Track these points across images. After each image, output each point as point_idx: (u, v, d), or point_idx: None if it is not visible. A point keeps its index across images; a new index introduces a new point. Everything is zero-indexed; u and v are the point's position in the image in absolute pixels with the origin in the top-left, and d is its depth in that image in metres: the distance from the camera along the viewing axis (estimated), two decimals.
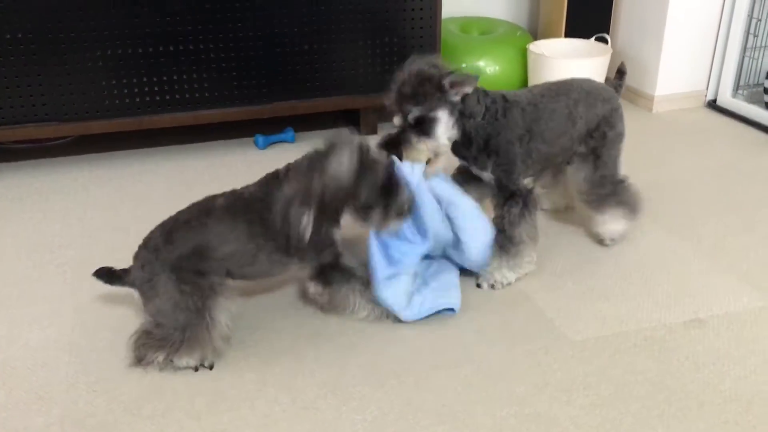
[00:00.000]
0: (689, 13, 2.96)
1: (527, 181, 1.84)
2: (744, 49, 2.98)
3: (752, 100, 3.00)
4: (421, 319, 1.69)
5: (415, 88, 1.63)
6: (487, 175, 1.80)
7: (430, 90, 1.64)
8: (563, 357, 1.57)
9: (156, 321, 1.53)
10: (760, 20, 2.91)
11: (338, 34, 2.66)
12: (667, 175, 2.48)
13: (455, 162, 1.89)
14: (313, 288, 1.65)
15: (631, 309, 1.74)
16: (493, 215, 1.81)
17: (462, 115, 1.71)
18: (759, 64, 3.02)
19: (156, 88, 2.56)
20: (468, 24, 3.38)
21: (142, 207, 2.29)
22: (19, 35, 2.37)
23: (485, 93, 1.75)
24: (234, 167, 2.59)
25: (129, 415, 1.42)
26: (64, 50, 2.43)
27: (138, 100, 2.56)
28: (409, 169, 1.64)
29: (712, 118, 3.03)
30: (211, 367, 1.55)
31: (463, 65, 3.12)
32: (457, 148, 1.79)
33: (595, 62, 2.97)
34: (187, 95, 2.60)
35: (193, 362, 1.54)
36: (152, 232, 1.58)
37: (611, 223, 1.96)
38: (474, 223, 1.75)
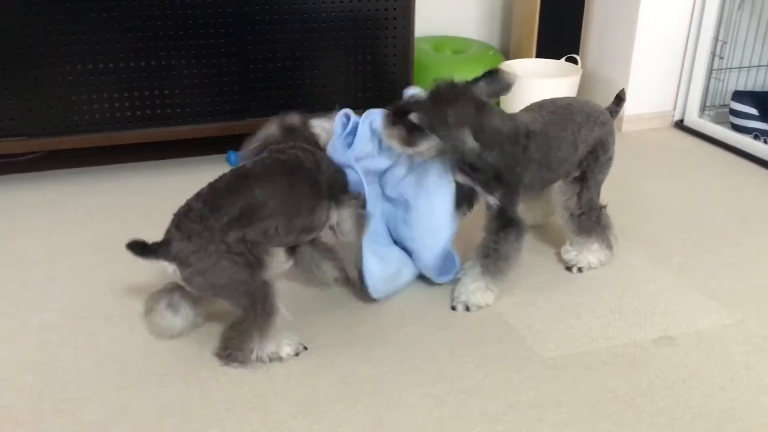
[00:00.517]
0: (657, 35, 3.02)
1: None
2: (710, 70, 3.05)
3: (718, 120, 3.06)
4: (393, 336, 1.69)
5: (431, 106, 1.61)
6: (492, 200, 1.77)
7: (435, 120, 1.60)
8: (535, 375, 1.58)
9: (210, 292, 1.54)
10: (725, 42, 2.98)
11: (312, 52, 2.66)
12: (636, 194, 2.51)
13: None
14: (341, 217, 1.68)
15: (602, 326, 1.75)
16: (485, 238, 1.80)
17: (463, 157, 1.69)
18: (725, 86, 3.09)
19: (127, 104, 2.54)
20: (441, 43, 3.41)
21: (112, 224, 2.26)
22: None
23: (510, 140, 1.69)
24: (206, 184, 2.56)
25: None
26: (33, 64, 2.40)
27: (108, 115, 2.53)
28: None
29: (679, 138, 3.09)
30: (305, 348, 1.63)
31: None
32: (459, 166, 1.76)
33: (565, 82, 3.02)
34: (159, 111, 2.58)
35: (300, 348, 1.61)
36: (189, 205, 1.55)
37: (589, 254, 1.98)
38: (425, 227, 1.76)
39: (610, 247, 1.99)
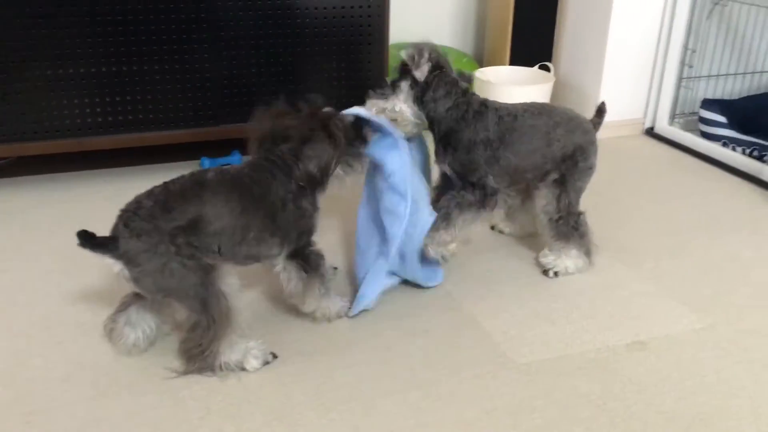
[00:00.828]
0: (628, 44, 3.06)
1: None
2: (680, 79, 3.10)
3: (688, 128, 3.11)
4: (368, 343, 1.69)
5: (404, 62, 1.82)
6: (445, 168, 1.86)
7: (404, 66, 1.82)
8: (510, 381, 1.58)
9: (159, 294, 1.49)
10: (695, 51, 3.03)
11: (286, 58, 2.65)
12: (608, 201, 2.54)
13: None
14: (286, 270, 1.65)
15: (576, 332, 1.76)
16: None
17: (423, 98, 1.81)
18: (694, 94, 3.14)
19: (98, 109, 2.51)
20: None
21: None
22: None
23: (463, 93, 1.83)
24: None
25: None
26: (1, 70, 2.36)
27: (79, 121, 2.50)
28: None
29: (650, 145, 3.13)
30: (275, 357, 1.60)
31: None
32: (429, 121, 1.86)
33: (538, 89, 3.04)
34: (130, 116, 2.55)
35: (268, 357, 1.58)
36: (139, 202, 1.49)
37: (567, 259, 1.99)
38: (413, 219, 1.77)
39: (588, 254, 2.01)
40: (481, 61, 3.58)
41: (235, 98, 2.65)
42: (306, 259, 1.66)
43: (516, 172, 1.90)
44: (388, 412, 1.48)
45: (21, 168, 2.68)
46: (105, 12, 2.39)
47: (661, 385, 1.58)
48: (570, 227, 1.96)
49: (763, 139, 2.75)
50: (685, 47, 3.03)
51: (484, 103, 1.85)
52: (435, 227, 1.80)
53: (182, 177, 1.55)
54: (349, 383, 1.57)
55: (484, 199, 1.82)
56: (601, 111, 2.05)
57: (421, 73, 1.79)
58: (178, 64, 2.53)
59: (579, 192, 1.98)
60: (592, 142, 1.96)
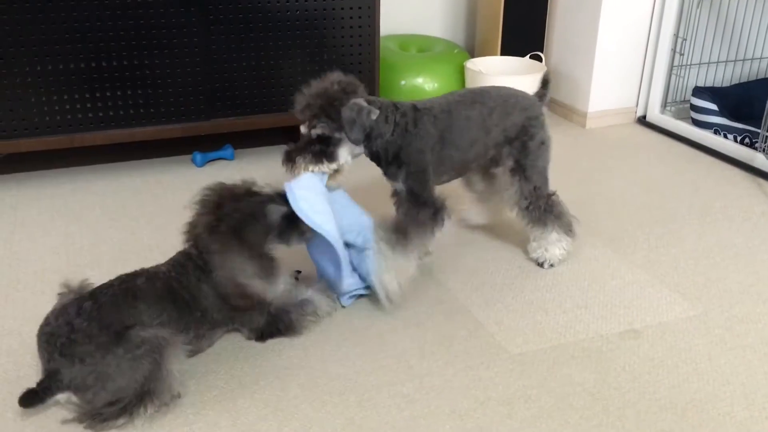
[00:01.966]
0: (618, 33, 3.06)
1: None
2: (671, 67, 3.10)
3: (679, 116, 3.12)
4: (363, 335, 1.69)
5: (324, 105, 1.64)
6: (399, 186, 1.79)
7: (330, 108, 1.64)
8: (504, 371, 1.59)
9: (108, 403, 1.40)
10: (685, 39, 3.03)
11: (277, 51, 2.65)
12: (600, 189, 2.55)
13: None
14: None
15: (569, 321, 1.77)
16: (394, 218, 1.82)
17: (369, 136, 1.70)
18: (685, 82, 3.14)
19: (89, 105, 2.50)
20: (406, 42, 3.42)
21: (74, 227, 2.22)
22: None
23: (395, 108, 1.74)
24: (171, 185, 2.54)
25: None
26: None
27: (69, 117, 2.49)
28: (308, 182, 1.66)
29: (642, 133, 3.13)
30: (179, 396, 1.48)
31: (402, 83, 3.15)
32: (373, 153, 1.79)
33: (530, 79, 3.04)
34: (121, 112, 2.54)
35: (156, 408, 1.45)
36: (70, 323, 1.41)
37: (552, 246, 1.98)
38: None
39: (570, 232, 1.99)
40: (472, 52, 3.57)
41: (226, 92, 2.64)
42: (269, 335, 1.68)
43: (462, 166, 1.88)
44: (383, 404, 1.48)
45: (12, 165, 2.67)
46: (95, 6, 2.37)
47: (655, 372, 1.58)
48: (542, 211, 1.93)
49: (755, 126, 2.76)
50: (676, 35, 3.04)
51: (415, 108, 1.77)
52: (392, 253, 1.75)
53: (111, 286, 1.51)
54: (343, 375, 1.57)
55: (435, 215, 1.77)
56: (545, 81, 2.00)
57: (358, 134, 1.67)
58: (168, 58, 2.52)
59: (543, 172, 1.94)
60: (535, 117, 1.91)
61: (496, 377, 1.57)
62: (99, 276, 1.80)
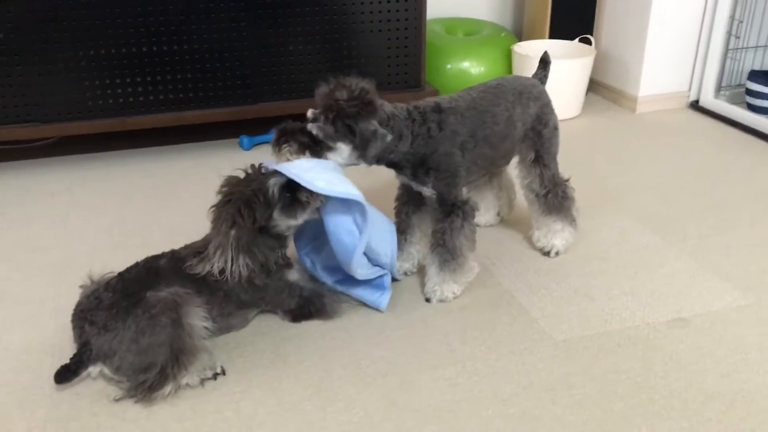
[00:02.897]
0: (672, 15, 2.98)
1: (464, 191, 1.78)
2: (726, 50, 3.01)
3: (734, 101, 3.03)
4: (405, 319, 1.70)
5: (331, 109, 1.57)
6: (428, 191, 1.73)
7: (339, 125, 1.57)
8: (547, 357, 1.58)
9: (141, 368, 1.45)
10: (741, 22, 2.94)
11: (324, 35, 2.65)
12: (650, 176, 2.50)
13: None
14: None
15: (615, 309, 1.75)
16: (432, 228, 1.76)
17: (367, 153, 1.61)
18: (741, 65, 3.05)
19: (140, 89, 2.55)
20: (453, 25, 3.39)
21: (125, 208, 2.28)
22: (1, 35, 2.35)
23: (412, 120, 1.65)
24: (219, 168, 2.56)
25: (113, 418, 1.41)
26: (47, 50, 2.41)
27: (121, 100, 2.55)
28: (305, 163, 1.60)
29: (694, 118, 3.06)
30: (223, 372, 1.53)
31: (448, 66, 3.13)
32: (390, 164, 1.72)
33: (579, 63, 2.99)
34: (171, 95, 2.59)
35: (208, 373, 1.50)
36: (98, 297, 1.50)
37: (557, 236, 1.95)
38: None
39: (573, 222, 1.96)
40: (519, 35, 3.52)
41: (273, 77, 2.66)
42: (302, 316, 1.70)
43: (491, 164, 1.85)
44: (425, 386, 1.49)
45: (66, 147, 2.75)
46: None
47: (703, 362, 1.56)
48: (559, 199, 1.92)
49: None
50: (732, 17, 2.94)
51: (439, 108, 1.69)
52: (441, 276, 1.75)
53: (136, 265, 1.58)
54: (386, 358, 1.58)
55: (466, 214, 1.73)
56: (544, 62, 1.96)
57: (372, 154, 1.60)
58: (217, 43, 2.55)
59: (555, 157, 1.92)
60: (546, 104, 1.89)
61: (540, 363, 1.56)
62: None
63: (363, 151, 1.59)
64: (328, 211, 1.62)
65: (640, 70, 3.06)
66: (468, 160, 1.73)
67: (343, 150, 1.61)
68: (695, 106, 3.14)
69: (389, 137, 1.60)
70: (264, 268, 1.57)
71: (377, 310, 1.74)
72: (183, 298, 1.49)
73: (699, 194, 2.35)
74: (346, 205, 1.59)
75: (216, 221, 1.55)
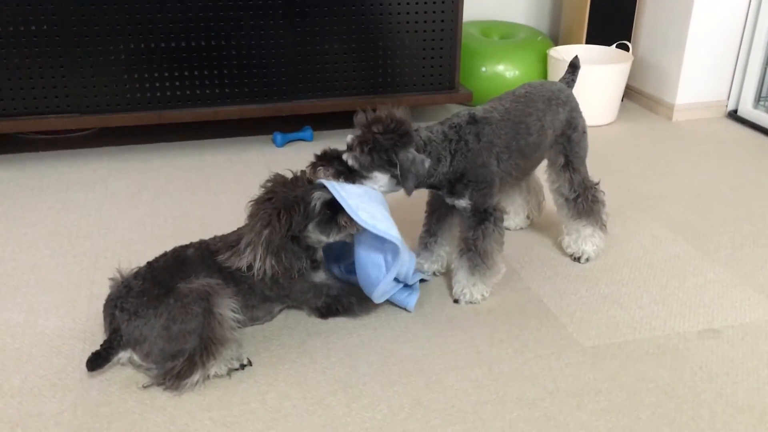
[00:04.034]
0: (712, 23, 2.94)
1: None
2: (767, 59, 2.96)
3: None
4: (432, 319, 1.70)
5: (367, 141, 1.56)
6: (464, 202, 1.71)
7: (376, 156, 1.57)
8: (575, 362, 1.57)
9: (170, 355, 1.48)
10: None
11: (359, 35, 2.67)
12: (685, 185, 2.46)
13: None
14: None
15: (645, 317, 1.73)
16: (463, 234, 1.76)
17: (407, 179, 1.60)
18: None
19: (177, 83, 2.59)
20: (489, 28, 3.38)
21: (159, 200, 2.31)
22: (44, 27, 2.40)
23: (449, 141, 1.65)
24: (252, 164, 2.61)
25: (141, 404, 1.44)
26: (87, 43, 2.46)
27: (159, 94, 2.59)
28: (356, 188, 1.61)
29: (732, 128, 3.01)
30: (250, 363, 1.55)
31: (483, 69, 3.12)
32: (430, 186, 1.72)
33: (615, 69, 2.96)
34: (207, 91, 2.62)
35: (234, 363, 1.52)
36: (128, 285, 1.52)
37: (587, 241, 1.94)
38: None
39: (603, 227, 1.95)
40: (556, 39, 3.50)
41: (308, 74, 2.68)
42: (329, 314, 1.72)
43: (524, 173, 1.85)
44: (451, 387, 1.49)
45: (104, 138, 2.80)
46: None
47: (734, 374, 1.53)
48: (589, 203, 1.90)
49: None
50: None
51: (474, 119, 1.69)
52: (472, 279, 1.75)
53: (165, 255, 1.60)
54: (412, 357, 1.58)
55: (496, 219, 1.73)
56: (574, 66, 1.94)
57: (412, 184, 1.59)
58: (254, 40, 2.58)
59: (584, 161, 1.91)
60: (574, 108, 1.88)
61: (567, 368, 1.55)
62: None
63: (404, 180, 1.59)
64: (362, 241, 1.63)
65: (677, 78, 3.02)
66: (502, 170, 1.73)
67: (380, 179, 1.61)
68: (733, 115, 3.09)
69: (428, 162, 1.61)
70: (287, 274, 1.58)
71: (405, 309, 1.74)
72: (214, 289, 1.51)
73: (734, 204, 2.32)
74: (381, 241, 1.60)
75: (252, 217, 1.57)
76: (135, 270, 1.59)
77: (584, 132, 1.90)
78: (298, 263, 1.59)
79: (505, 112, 1.74)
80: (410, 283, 1.75)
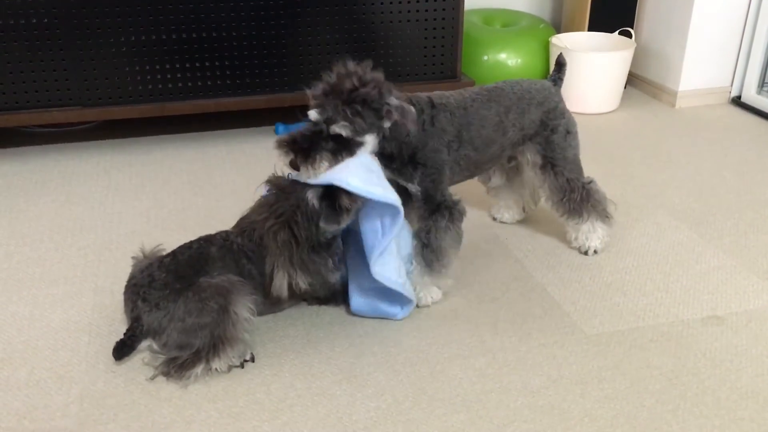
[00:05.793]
0: (715, 9, 2.92)
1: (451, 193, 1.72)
2: None
3: None
4: (436, 309, 1.70)
5: (352, 101, 1.46)
6: (413, 187, 1.66)
7: (367, 112, 1.48)
8: (578, 350, 1.57)
9: (179, 346, 1.49)
10: None
11: (361, 24, 2.66)
12: (688, 172, 2.46)
13: None
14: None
15: (649, 304, 1.73)
16: (416, 227, 1.72)
17: (384, 137, 1.56)
18: None
19: (179, 75, 2.58)
20: (491, 16, 3.37)
21: (163, 192, 2.32)
22: (45, 20, 2.40)
23: (413, 105, 1.60)
24: (254, 155, 2.61)
25: (147, 396, 1.44)
26: (89, 35, 2.45)
27: (161, 86, 2.58)
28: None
29: (735, 114, 3.00)
30: (252, 360, 1.55)
31: (485, 58, 3.11)
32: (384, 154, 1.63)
33: (618, 56, 2.95)
34: (209, 82, 2.62)
35: (235, 361, 1.52)
36: (151, 275, 1.53)
37: (590, 235, 1.92)
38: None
39: (606, 219, 1.92)
40: (558, 27, 3.49)
41: (310, 65, 2.67)
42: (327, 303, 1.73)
43: (476, 167, 1.78)
44: (455, 376, 1.50)
45: (106, 131, 2.80)
46: None
47: (738, 360, 1.53)
48: (578, 202, 1.86)
49: None
50: None
51: (432, 103, 1.64)
52: (424, 279, 1.70)
53: (189, 248, 1.59)
54: (417, 346, 1.59)
55: (453, 215, 1.68)
56: (560, 64, 1.89)
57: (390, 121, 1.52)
58: (255, 31, 2.57)
59: (574, 161, 1.86)
60: (553, 109, 1.82)
61: (570, 356, 1.55)
62: (184, 240, 1.88)
63: (405, 123, 1.51)
64: (363, 214, 1.58)
65: (680, 65, 3.01)
66: (452, 159, 1.68)
67: (370, 141, 1.53)
68: (737, 101, 3.08)
69: (413, 110, 1.53)
70: (323, 281, 1.61)
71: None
72: (235, 286, 1.51)
73: (738, 191, 2.31)
74: (381, 207, 1.54)
75: (266, 245, 1.56)
76: (159, 254, 1.60)
77: (568, 133, 1.84)
78: (324, 266, 1.60)
79: (463, 101, 1.69)
80: (404, 291, 1.64)
